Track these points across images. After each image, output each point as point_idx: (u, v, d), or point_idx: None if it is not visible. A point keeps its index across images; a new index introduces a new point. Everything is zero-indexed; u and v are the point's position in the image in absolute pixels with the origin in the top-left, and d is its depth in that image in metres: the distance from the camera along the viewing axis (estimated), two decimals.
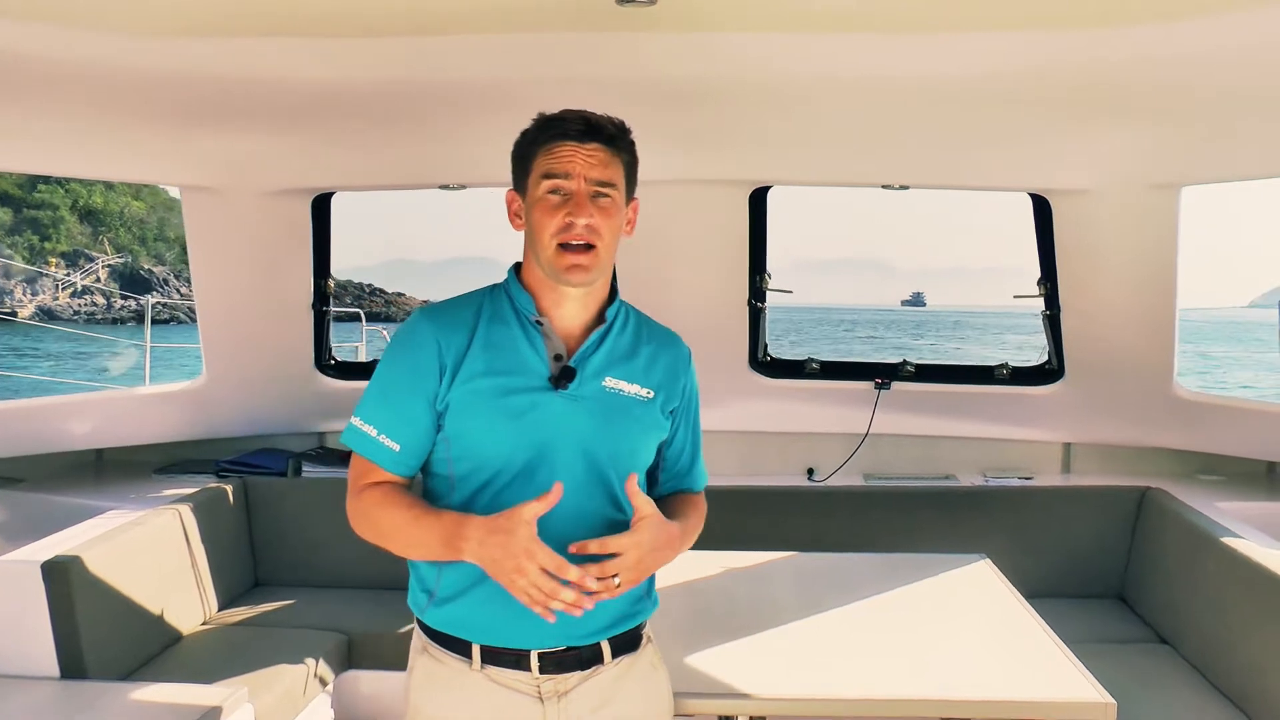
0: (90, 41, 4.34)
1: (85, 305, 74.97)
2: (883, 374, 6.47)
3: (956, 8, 4.14)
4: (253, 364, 6.39)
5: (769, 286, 6.34)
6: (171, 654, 4.81)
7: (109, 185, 78.36)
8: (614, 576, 2.51)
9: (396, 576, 5.49)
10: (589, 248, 2.63)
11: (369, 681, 5.14)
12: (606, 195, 2.65)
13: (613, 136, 2.68)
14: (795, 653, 3.63)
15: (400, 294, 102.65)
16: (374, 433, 2.66)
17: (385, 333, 9.53)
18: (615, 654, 2.75)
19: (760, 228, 6.20)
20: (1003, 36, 4.33)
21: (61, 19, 4.18)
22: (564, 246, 2.62)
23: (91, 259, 76.39)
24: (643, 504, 2.57)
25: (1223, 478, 6.24)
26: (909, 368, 6.49)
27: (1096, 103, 4.90)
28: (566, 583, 2.43)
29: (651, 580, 2.85)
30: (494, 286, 2.81)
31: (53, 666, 4.29)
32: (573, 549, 2.48)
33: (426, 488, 2.76)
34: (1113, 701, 3.18)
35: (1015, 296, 6.29)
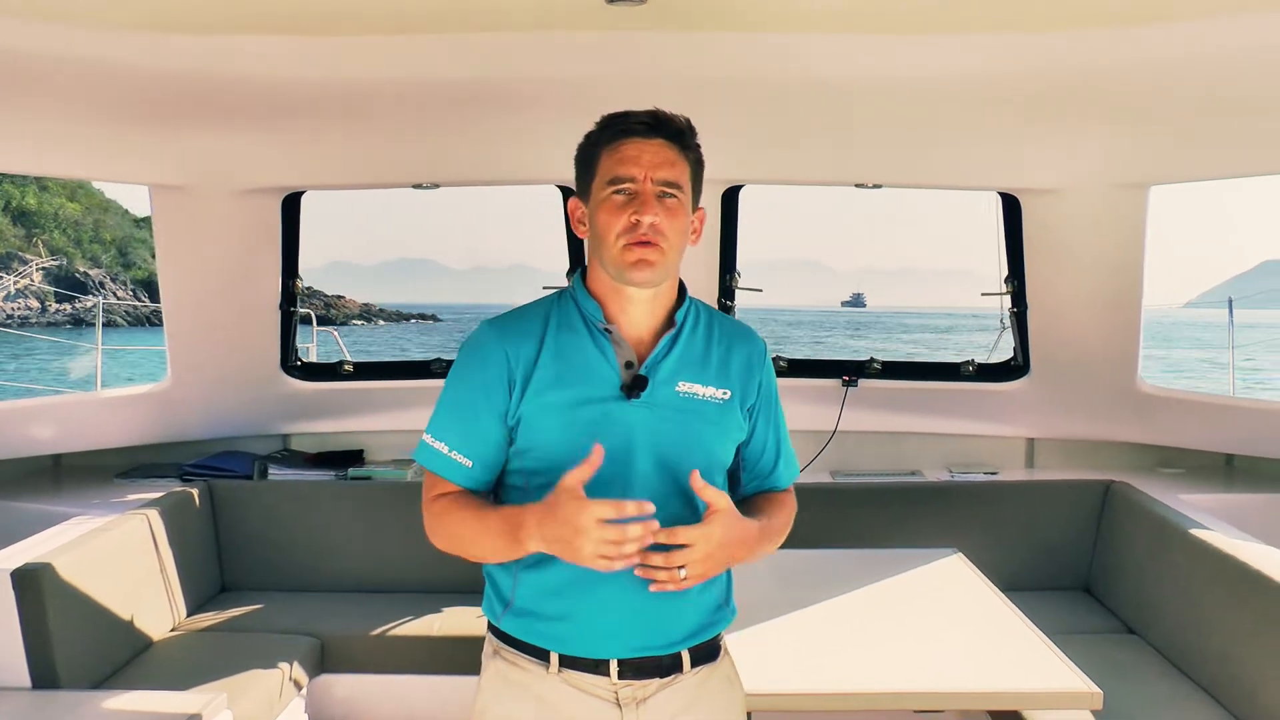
0: (56, 36, 4.28)
1: (19, 309, 74.10)
2: (850, 371, 6.50)
3: (930, 11, 4.19)
4: (219, 365, 6.33)
5: (738, 285, 6.36)
6: (142, 661, 4.75)
7: (42, 186, 77.55)
8: (680, 568, 2.42)
9: (366, 579, 5.54)
10: (655, 246, 2.54)
11: (343, 685, 5.11)
12: (673, 195, 2.57)
13: (680, 132, 2.61)
14: (782, 648, 3.67)
15: (340, 296, 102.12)
16: (445, 449, 2.62)
17: (336, 334, 9.43)
18: (694, 664, 2.68)
19: (731, 227, 6.23)
20: (976, 39, 4.40)
21: (25, 13, 4.13)
22: (629, 245, 2.54)
23: (25, 261, 75.46)
24: (714, 497, 2.48)
25: (1182, 470, 6.33)
26: (876, 365, 6.54)
27: (1067, 104, 4.97)
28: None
29: (729, 589, 2.79)
30: (560, 293, 2.75)
31: (24, 677, 4.22)
32: (611, 511, 2.37)
33: (503, 500, 2.69)
34: (1098, 690, 3.25)
35: (983, 294, 6.36)
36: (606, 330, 2.62)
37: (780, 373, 6.56)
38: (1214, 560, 4.49)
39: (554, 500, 2.38)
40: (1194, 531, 4.72)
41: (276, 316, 6.35)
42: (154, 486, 5.87)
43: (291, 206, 6.18)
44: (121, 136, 5.38)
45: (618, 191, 2.55)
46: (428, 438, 2.65)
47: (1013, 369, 6.48)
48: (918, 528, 5.62)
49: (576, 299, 2.68)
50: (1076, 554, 5.66)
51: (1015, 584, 4.37)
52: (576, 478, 2.37)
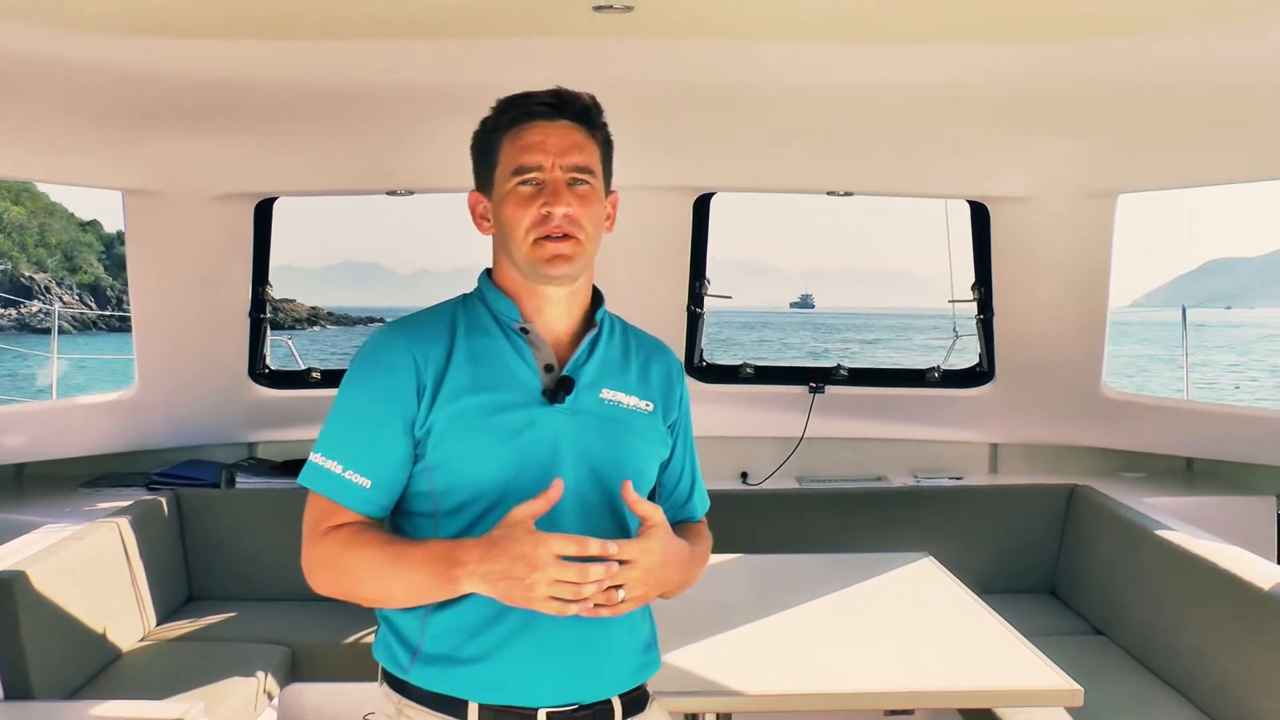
0: (27, 38, 4.24)
1: None
2: (817, 378, 6.54)
3: (902, 20, 4.23)
4: (187, 372, 6.29)
5: (708, 292, 6.39)
6: (114, 671, 4.71)
7: None
8: (618, 588, 2.15)
9: None
10: (570, 238, 2.31)
11: (314, 694, 5.08)
12: (585, 182, 2.34)
13: (586, 110, 2.40)
14: (761, 650, 3.68)
15: (289, 300, 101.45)
16: (338, 469, 2.29)
17: (289, 340, 9.35)
18: (626, 715, 2.40)
19: (702, 234, 6.27)
20: (947, 49, 4.45)
21: None
22: (541, 239, 2.30)
23: None
24: (649, 510, 2.24)
25: (1144, 474, 6.40)
26: (843, 372, 6.58)
27: (1037, 113, 5.05)
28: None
29: (654, 631, 2.55)
30: (464, 296, 2.49)
31: None
32: (574, 548, 2.09)
33: (399, 530, 2.39)
34: (1079, 688, 3.28)
35: (950, 301, 6.42)
36: (523, 330, 2.38)
37: (747, 379, 6.61)
38: (1183, 561, 4.56)
39: (501, 534, 2.10)
40: (1161, 533, 4.78)
41: (246, 323, 6.33)
42: (120, 495, 5.81)
43: (263, 213, 6.15)
44: (95, 141, 5.35)
45: (524, 182, 2.32)
46: (317, 458, 2.33)
47: (978, 375, 6.54)
48: (885, 533, 5.66)
49: (486, 298, 2.44)
50: (1042, 557, 5.72)
51: (981, 587, 4.41)
52: (528, 511, 2.11)
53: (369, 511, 2.32)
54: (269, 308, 6.41)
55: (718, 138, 5.47)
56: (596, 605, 2.13)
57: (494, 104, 2.42)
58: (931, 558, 4.70)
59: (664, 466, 2.56)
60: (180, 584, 5.58)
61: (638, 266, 6.13)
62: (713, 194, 6.17)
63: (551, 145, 2.33)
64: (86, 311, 71.85)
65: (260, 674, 4.70)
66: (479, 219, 2.46)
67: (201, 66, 4.54)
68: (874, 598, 4.26)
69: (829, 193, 6.00)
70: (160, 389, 6.26)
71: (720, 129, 5.36)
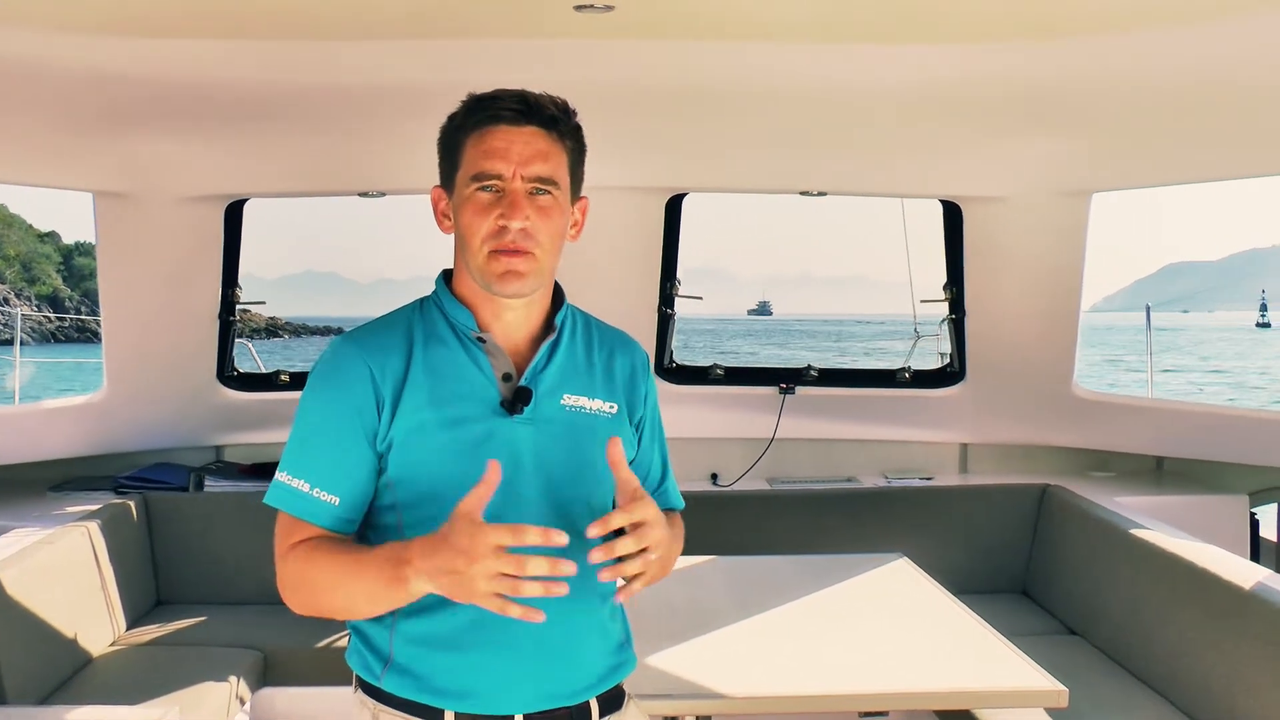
0: None
1: None
2: (787, 379, 6.54)
3: (874, 20, 4.23)
4: (156, 375, 6.22)
5: (679, 293, 6.39)
6: (85, 676, 4.67)
7: None
8: (644, 551, 2.10)
9: None
10: (526, 253, 2.25)
11: (285, 699, 5.06)
12: (546, 192, 2.27)
13: (554, 118, 2.30)
14: (738, 652, 3.67)
15: (246, 309, 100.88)
16: (305, 487, 2.25)
17: (250, 344, 9.29)
18: (603, 714, 2.39)
19: (674, 235, 6.26)
20: (920, 49, 4.45)
21: None
22: (496, 251, 2.25)
23: None
24: (629, 475, 2.20)
25: (1114, 473, 6.43)
26: (813, 373, 6.58)
27: (1011, 112, 5.06)
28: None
29: (628, 630, 2.54)
30: (421, 301, 2.43)
31: None
32: (510, 537, 1.99)
33: (369, 543, 2.30)
34: (1064, 689, 3.29)
35: (921, 301, 6.44)
36: (480, 339, 2.33)
37: (717, 380, 6.60)
38: (1158, 560, 4.57)
39: (446, 528, 2.03)
40: (1136, 532, 4.80)
41: (215, 326, 6.28)
42: (89, 499, 5.75)
43: (233, 214, 6.11)
44: (64, 142, 5.27)
45: (483, 188, 2.26)
46: (283, 477, 2.28)
47: (948, 375, 6.56)
48: (856, 533, 5.68)
49: (443, 306, 2.38)
50: (1014, 557, 5.74)
51: (954, 587, 4.42)
52: (472, 501, 2.02)
53: (339, 528, 2.28)
54: (237, 309, 6.37)
55: (691, 138, 5.46)
56: (630, 573, 2.11)
57: (463, 99, 2.36)
58: (906, 558, 4.70)
59: (633, 461, 2.47)
60: (149, 588, 5.54)
61: (609, 267, 6.11)
62: (684, 194, 6.17)
63: (514, 153, 2.26)
64: (45, 322, 71.34)
65: (232, 678, 4.67)
66: (440, 215, 2.41)
67: (172, 67, 4.50)
68: (851, 598, 4.26)
69: (802, 193, 6.01)
70: (129, 392, 6.20)
71: (694, 129, 5.35)
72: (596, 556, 2.07)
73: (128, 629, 5.21)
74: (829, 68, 4.58)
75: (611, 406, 2.41)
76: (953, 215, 6.11)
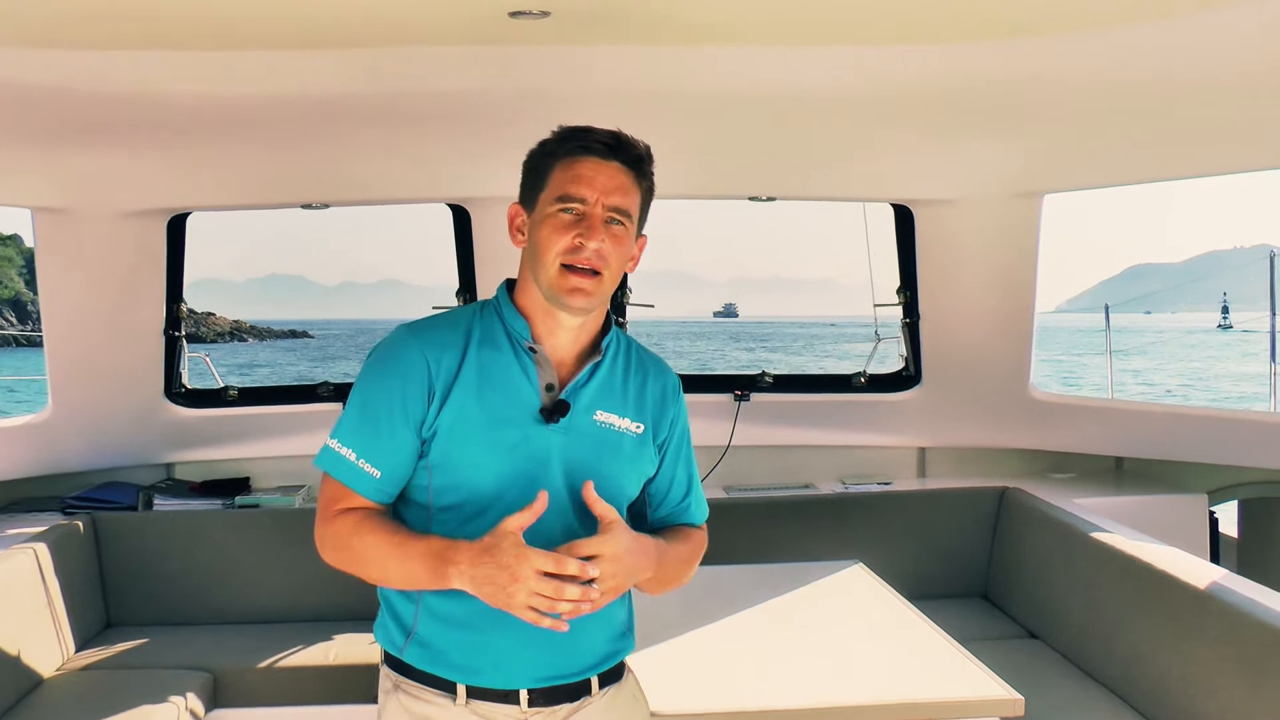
0: None
1: None
2: (742, 385, 6.50)
3: (823, 22, 4.20)
4: (101, 393, 6.10)
5: (630, 301, 6.34)
6: (32, 701, 4.57)
7: None
8: (591, 582, 2.32)
9: (259, 610, 5.41)
10: (594, 273, 2.48)
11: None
12: (620, 223, 2.51)
13: (639, 159, 2.56)
14: (691, 665, 3.64)
15: (210, 313, 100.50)
16: (353, 457, 2.49)
17: (206, 357, 9.11)
18: (602, 685, 2.65)
19: None
20: (869, 50, 4.42)
21: None
22: (567, 268, 2.47)
23: None
24: (605, 510, 2.42)
25: (1073, 475, 6.42)
26: (768, 379, 6.55)
27: (961, 114, 5.04)
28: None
29: (632, 617, 2.77)
30: (483, 304, 2.66)
31: None
32: (552, 565, 2.30)
33: (398, 515, 2.59)
34: (1019, 697, 3.28)
35: (876, 305, 6.41)
36: (532, 350, 2.55)
37: None
38: (1117, 562, 4.57)
39: (492, 542, 2.31)
40: (1094, 535, 4.79)
41: (160, 342, 6.18)
42: (35, 521, 5.62)
43: (176, 228, 6.02)
44: (1, 157, 5.20)
45: (566, 210, 2.48)
46: (333, 443, 2.53)
47: (904, 379, 6.53)
48: (814, 540, 5.64)
49: (502, 314, 2.60)
50: (973, 561, 5.73)
51: (913, 593, 4.41)
52: (518, 523, 2.31)
53: (377, 499, 2.53)
54: (184, 324, 6.28)
55: None
56: (577, 604, 2.32)
57: (555, 129, 2.57)
58: (862, 565, 4.68)
59: (653, 478, 2.75)
60: (97, 610, 5.45)
61: None
62: None
63: (600, 182, 2.49)
64: (6, 328, 70.85)
65: (181, 700, 4.59)
66: (514, 230, 2.62)
67: (110, 79, 4.42)
68: (805, 608, 4.24)
69: (751, 198, 5.98)
70: (74, 411, 6.09)
71: (638, 135, 5.30)
72: (573, 594, 2.30)
73: (76, 651, 5.12)
74: (774, 71, 4.55)
75: (638, 427, 2.65)
76: (904, 218, 6.10)
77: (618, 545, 2.40)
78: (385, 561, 2.45)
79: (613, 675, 2.70)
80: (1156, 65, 4.37)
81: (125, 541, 5.56)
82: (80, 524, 5.43)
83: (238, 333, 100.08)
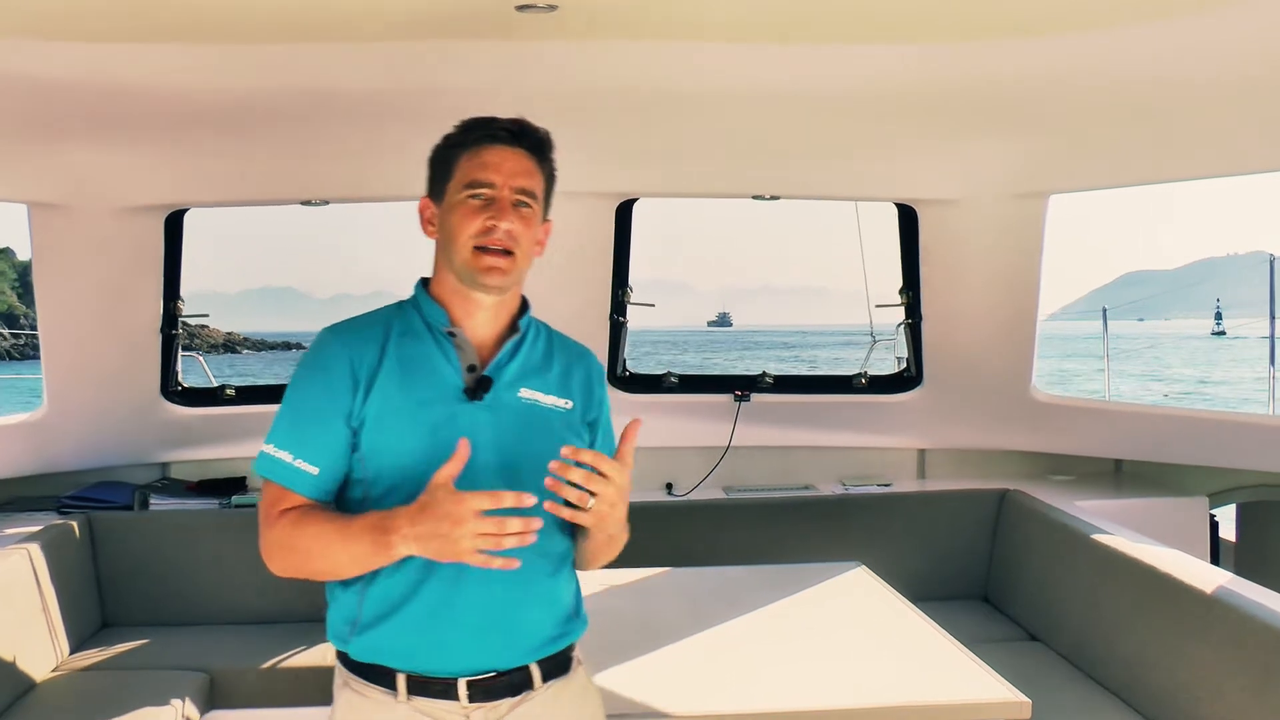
0: None
1: None
2: (742, 386, 6.48)
3: (827, 20, 4.18)
4: (97, 392, 6.06)
5: (630, 301, 6.32)
6: (27, 704, 4.52)
7: None
8: (591, 494, 2.37)
9: (255, 610, 5.38)
10: (507, 253, 2.56)
11: None
12: (528, 205, 2.60)
13: (540, 144, 2.66)
14: (695, 668, 3.61)
15: (204, 325, 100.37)
16: (289, 458, 2.54)
17: (200, 356, 9.09)
18: (546, 679, 2.64)
19: (625, 241, 6.18)
20: (873, 49, 4.40)
21: None
22: (481, 249, 2.56)
23: None
24: (626, 450, 2.46)
25: (1073, 477, 6.40)
26: (768, 379, 6.52)
27: (966, 114, 5.02)
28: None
29: (579, 599, 2.78)
30: (401, 303, 2.73)
31: None
32: (489, 501, 2.30)
33: (342, 510, 2.61)
34: (1026, 700, 3.25)
35: (878, 306, 6.40)
36: (450, 334, 2.62)
37: (671, 389, 6.53)
38: (1119, 565, 4.54)
39: (426, 499, 2.34)
40: (1097, 537, 4.76)
41: (157, 340, 6.14)
42: (30, 520, 5.60)
43: (174, 225, 5.98)
44: None
45: (474, 195, 2.57)
46: (269, 448, 2.57)
47: (905, 380, 6.51)
48: (814, 542, 5.60)
49: (419, 305, 2.69)
50: (973, 563, 5.70)
51: (913, 595, 4.38)
52: (447, 473, 2.33)
53: (317, 496, 2.56)
54: (182, 325, 6.25)
55: (641, 142, 5.41)
56: (572, 507, 2.39)
57: (458, 123, 2.66)
58: (864, 567, 4.65)
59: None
60: (93, 610, 5.40)
61: (559, 274, 6.04)
62: (635, 200, 6.09)
63: (506, 167, 2.58)
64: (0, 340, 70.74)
65: (178, 702, 4.54)
66: (426, 223, 2.71)
67: (109, 72, 4.38)
68: (808, 610, 4.20)
69: (755, 197, 5.96)
70: (70, 409, 6.05)
71: (644, 133, 5.29)
72: (554, 466, 2.36)
73: (71, 653, 5.07)
74: (781, 69, 4.53)
75: (566, 403, 2.69)
76: (908, 218, 6.08)
77: (625, 475, 2.44)
78: (330, 548, 2.47)
79: (558, 668, 2.69)
80: (1163, 65, 4.35)
81: (121, 541, 5.51)
82: (75, 524, 5.38)
83: (231, 344, 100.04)
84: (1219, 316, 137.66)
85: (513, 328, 2.69)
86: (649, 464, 6.35)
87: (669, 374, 6.54)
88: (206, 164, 5.50)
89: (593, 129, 5.18)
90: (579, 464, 2.38)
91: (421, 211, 2.72)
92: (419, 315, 2.67)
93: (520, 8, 3.84)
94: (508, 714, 2.59)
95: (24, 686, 4.62)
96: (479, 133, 2.61)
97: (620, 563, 4.64)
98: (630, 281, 6.33)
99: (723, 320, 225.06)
